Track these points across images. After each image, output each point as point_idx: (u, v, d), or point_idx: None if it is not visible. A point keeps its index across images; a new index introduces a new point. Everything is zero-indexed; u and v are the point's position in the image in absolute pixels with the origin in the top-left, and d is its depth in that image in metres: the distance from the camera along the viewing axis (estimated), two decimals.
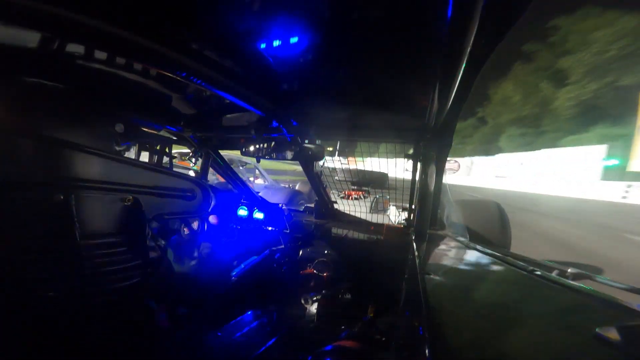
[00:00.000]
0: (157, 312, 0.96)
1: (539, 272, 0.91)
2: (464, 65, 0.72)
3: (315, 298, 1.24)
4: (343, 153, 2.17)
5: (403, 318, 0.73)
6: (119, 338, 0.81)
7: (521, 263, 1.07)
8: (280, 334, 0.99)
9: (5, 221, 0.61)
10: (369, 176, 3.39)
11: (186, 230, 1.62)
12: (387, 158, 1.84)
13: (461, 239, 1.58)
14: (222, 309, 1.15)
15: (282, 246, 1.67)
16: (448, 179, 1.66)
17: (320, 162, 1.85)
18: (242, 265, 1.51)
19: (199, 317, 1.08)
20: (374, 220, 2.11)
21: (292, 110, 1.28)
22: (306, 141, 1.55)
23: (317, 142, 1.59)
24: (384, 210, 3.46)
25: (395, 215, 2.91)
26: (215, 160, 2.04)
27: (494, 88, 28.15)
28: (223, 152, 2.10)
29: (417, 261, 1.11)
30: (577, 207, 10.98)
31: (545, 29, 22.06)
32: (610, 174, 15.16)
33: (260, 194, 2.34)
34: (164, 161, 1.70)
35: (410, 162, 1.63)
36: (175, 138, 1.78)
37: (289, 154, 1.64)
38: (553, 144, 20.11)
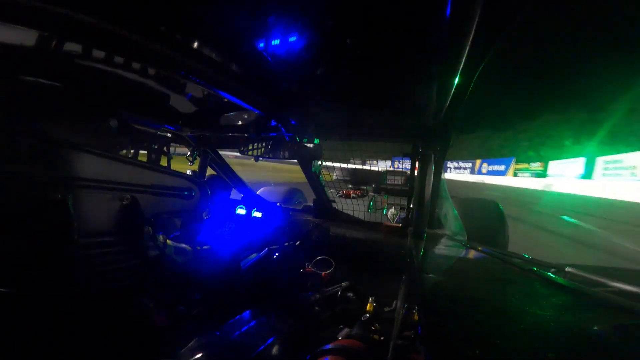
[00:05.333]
0: (155, 311, 0.96)
1: (537, 272, 0.92)
2: (462, 64, 0.72)
3: (313, 297, 1.23)
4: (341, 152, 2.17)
5: (402, 317, 0.73)
6: (117, 337, 0.81)
7: (520, 262, 1.07)
8: (278, 334, 0.99)
9: (3, 220, 0.60)
10: (368, 175, 3.38)
11: (184, 229, 1.62)
12: (386, 157, 1.84)
13: (460, 238, 1.58)
14: (220, 308, 1.15)
15: (281, 245, 1.67)
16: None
17: (319, 161, 1.85)
18: (241, 264, 1.51)
19: (198, 316, 1.08)
20: (372, 219, 2.11)
21: (291, 109, 1.28)
22: (305, 140, 1.55)
23: (316, 141, 1.59)
24: (382, 210, 3.47)
25: (393, 215, 2.91)
26: (213, 159, 2.04)
27: None
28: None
29: (415, 260, 1.11)
30: None
31: None
32: None
33: (258, 192, 2.34)
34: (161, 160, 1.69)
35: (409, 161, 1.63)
36: (173, 137, 1.77)
37: (288, 153, 1.64)
38: None
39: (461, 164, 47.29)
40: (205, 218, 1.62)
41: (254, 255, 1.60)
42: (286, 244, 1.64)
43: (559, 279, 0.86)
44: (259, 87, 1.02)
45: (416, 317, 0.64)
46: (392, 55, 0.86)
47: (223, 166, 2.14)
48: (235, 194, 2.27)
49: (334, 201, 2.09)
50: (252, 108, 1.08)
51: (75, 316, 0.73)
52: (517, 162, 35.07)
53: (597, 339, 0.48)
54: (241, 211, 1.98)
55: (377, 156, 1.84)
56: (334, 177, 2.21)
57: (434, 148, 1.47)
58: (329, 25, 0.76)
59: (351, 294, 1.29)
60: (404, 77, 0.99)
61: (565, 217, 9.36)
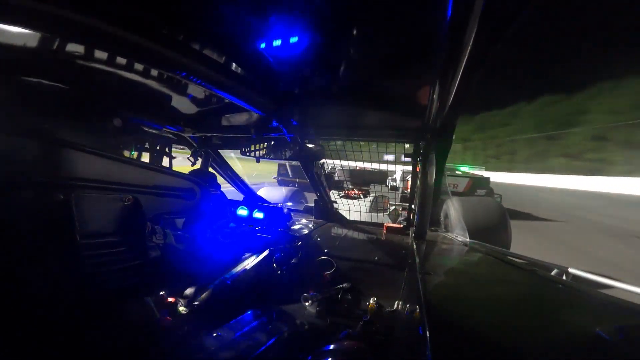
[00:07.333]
0: (158, 311, 0.96)
1: (538, 272, 0.91)
2: (464, 64, 0.71)
3: (315, 298, 1.24)
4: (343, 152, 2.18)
5: (403, 318, 0.73)
6: (119, 338, 0.81)
7: (521, 262, 1.07)
8: (280, 334, 0.99)
9: (5, 221, 0.61)
10: (369, 175, 3.38)
11: (186, 230, 1.62)
12: (387, 158, 1.84)
13: (461, 238, 1.58)
14: (222, 308, 1.15)
15: (282, 246, 1.67)
16: None
17: (320, 162, 1.85)
18: (242, 265, 1.51)
19: (199, 316, 1.08)
20: (374, 220, 2.11)
21: (292, 110, 1.28)
22: (306, 141, 1.55)
23: (317, 141, 1.59)
24: (384, 210, 3.48)
25: (395, 215, 2.91)
26: (215, 160, 2.04)
27: None
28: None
29: (416, 260, 1.11)
30: None
31: None
32: None
33: (259, 193, 2.34)
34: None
35: (410, 161, 1.63)
36: (175, 138, 1.78)
37: (289, 154, 1.64)
38: None
39: None
40: (207, 218, 1.63)
41: (255, 255, 1.61)
42: (287, 244, 1.65)
43: (561, 280, 0.86)
44: (260, 87, 1.02)
45: (417, 318, 0.64)
46: (393, 55, 0.86)
47: (225, 167, 2.15)
48: (236, 195, 2.27)
49: (335, 202, 2.09)
50: (253, 109, 1.08)
51: (77, 316, 0.73)
52: None
53: (598, 340, 0.48)
54: (242, 212, 1.98)
55: (379, 157, 1.84)
56: (336, 178, 2.21)
57: (435, 148, 1.46)
58: (330, 26, 0.76)
59: (352, 295, 1.29)
60: (405, 78, 0.99)
61: None
